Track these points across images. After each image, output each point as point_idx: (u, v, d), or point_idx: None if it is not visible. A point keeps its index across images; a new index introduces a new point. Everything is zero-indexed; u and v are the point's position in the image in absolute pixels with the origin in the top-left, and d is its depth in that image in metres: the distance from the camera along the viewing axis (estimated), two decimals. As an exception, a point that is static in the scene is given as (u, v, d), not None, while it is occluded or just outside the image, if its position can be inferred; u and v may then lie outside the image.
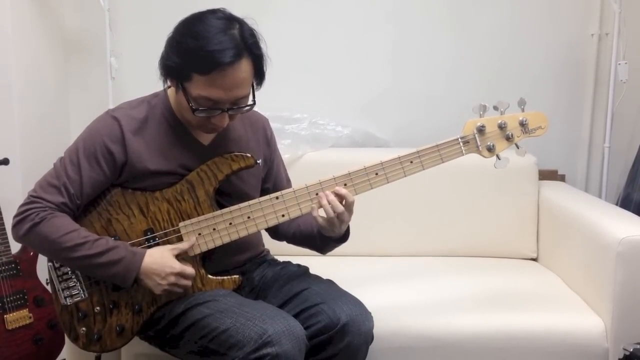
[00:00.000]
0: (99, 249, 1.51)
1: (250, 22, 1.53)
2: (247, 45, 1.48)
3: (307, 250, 1.77)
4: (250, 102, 1.54)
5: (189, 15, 1.53)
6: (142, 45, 2.47)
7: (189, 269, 1.56)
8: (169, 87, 1.61)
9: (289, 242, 1.81)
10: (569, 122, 2.65)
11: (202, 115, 1.51)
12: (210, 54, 1.44)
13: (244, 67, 1.48)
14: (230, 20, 1.50)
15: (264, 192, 1.72)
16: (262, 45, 1.52)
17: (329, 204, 1.54)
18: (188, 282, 1.57)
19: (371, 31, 2.60)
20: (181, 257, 1.57)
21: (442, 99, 2.61)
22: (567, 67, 2.62)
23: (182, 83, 1.50)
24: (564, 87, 2.64)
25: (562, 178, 2.59)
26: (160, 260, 1.52)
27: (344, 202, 1.56)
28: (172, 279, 1.53)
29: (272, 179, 1.80)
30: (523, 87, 2.57)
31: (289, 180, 1.85)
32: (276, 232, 1.81)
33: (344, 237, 1.65)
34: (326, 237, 1.64)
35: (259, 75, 1.53)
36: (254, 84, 1.54)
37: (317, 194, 1.57)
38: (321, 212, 1.57)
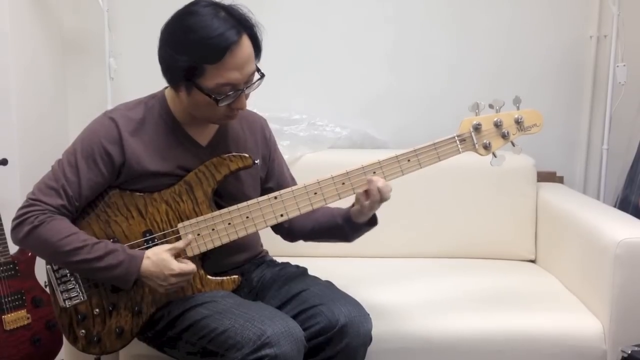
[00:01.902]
0: (98, 252, 1.50)
1: (226, 0, 1.54)
2: (240, 22, 1.50)
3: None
4: (258, 76, 1.55)
5: (174, 15, 1.52)
6: (141, 46, 2.45)
7: (188, 266, 1.53)
8: (166, 88, 1.61)
9: (306, 239, 1.79)
10: (568, 124, 2.66)
11: (225, 103, 1.51)
12: (216, 40, 1.45)
13: (246, 41, 1.50)
14: (213, 5, 1.51)
15: (267, 191, 1.70)
16: (250, 16, 1.53)
17: (379, 191, 1.55)
18: (189, 277, 1.55)
19: (370, 32, 2.60)
20: (181, 256, 1.57)
21: (442, 100, 2.61)
22: (565, 69, 2.62)
23: (195, 81, 1.49)
24: (563, 89, 2.64)
25: (560, 180, 2.59)
26: (158, 263, 1.51)
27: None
28: (173, 280, 1.52)
29: (274, 178, 1.79)
30: (522, 89, 2.50)
31: (293, 179, 1.84)
32: (290, 233, 1.79)
33: (374, 220, 1.66)
34: (357, 223, 1.64)
35: (256, 45, 1.54)
36: (255, 57, 1.54)
37: (315, 194, 1.57)
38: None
